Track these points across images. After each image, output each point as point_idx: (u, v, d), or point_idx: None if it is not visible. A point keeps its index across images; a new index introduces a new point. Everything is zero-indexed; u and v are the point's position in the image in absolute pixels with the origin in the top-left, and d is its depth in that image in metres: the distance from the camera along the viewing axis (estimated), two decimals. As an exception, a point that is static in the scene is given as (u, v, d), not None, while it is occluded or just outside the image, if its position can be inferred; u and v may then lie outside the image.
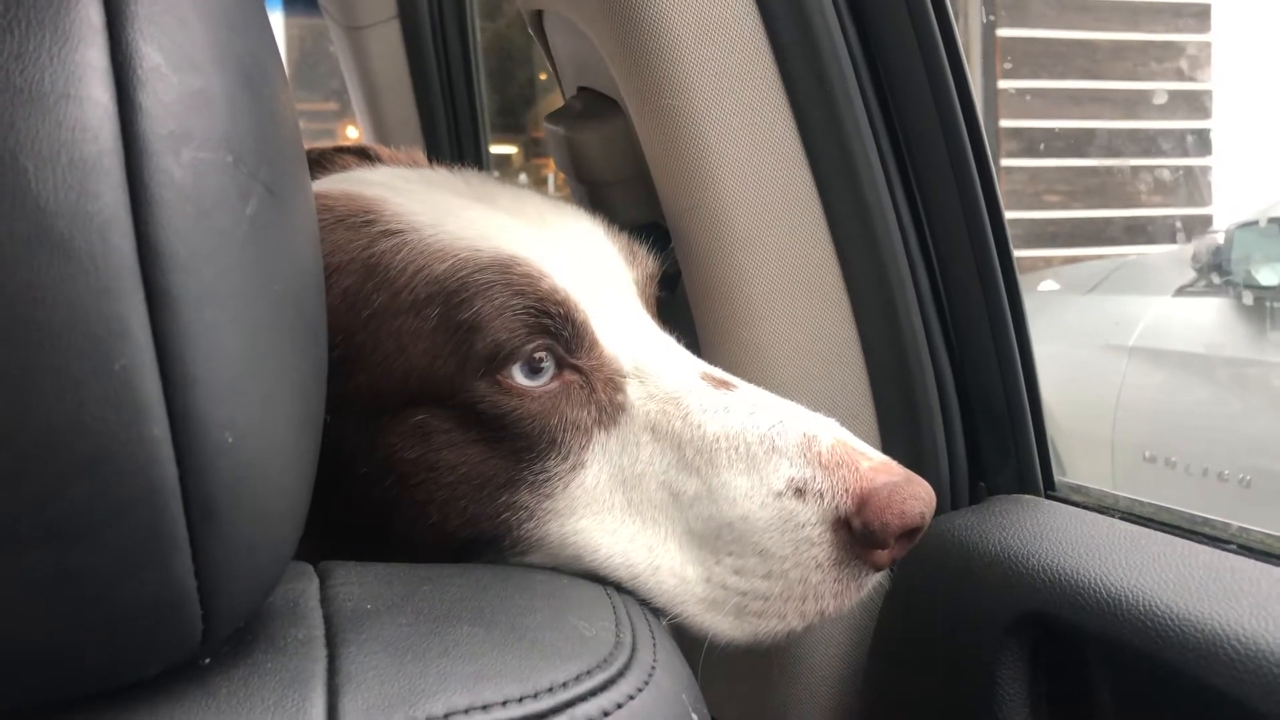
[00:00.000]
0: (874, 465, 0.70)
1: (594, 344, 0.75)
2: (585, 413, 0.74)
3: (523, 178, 8.68)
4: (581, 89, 0.87)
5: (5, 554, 0.39)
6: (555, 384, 0.73)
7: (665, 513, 0.72)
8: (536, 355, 0.72)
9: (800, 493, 0.70)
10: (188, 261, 0.42)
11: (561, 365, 0.73)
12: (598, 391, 0.74)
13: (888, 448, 0.84)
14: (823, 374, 0.82)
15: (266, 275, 0.47)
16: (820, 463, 0.70)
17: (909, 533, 0.68)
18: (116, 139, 0.41)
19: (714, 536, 0.71)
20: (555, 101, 0.93)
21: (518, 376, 0.71)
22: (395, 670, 0.49)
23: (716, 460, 0.72)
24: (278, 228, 0.48)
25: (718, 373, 0.75)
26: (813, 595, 0.70)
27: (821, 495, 0.69)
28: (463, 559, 0.72)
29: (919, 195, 0.83)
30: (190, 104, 0.43)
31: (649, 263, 0.80)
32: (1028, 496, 0.86)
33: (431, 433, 0.71)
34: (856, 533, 0.69)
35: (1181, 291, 3.83)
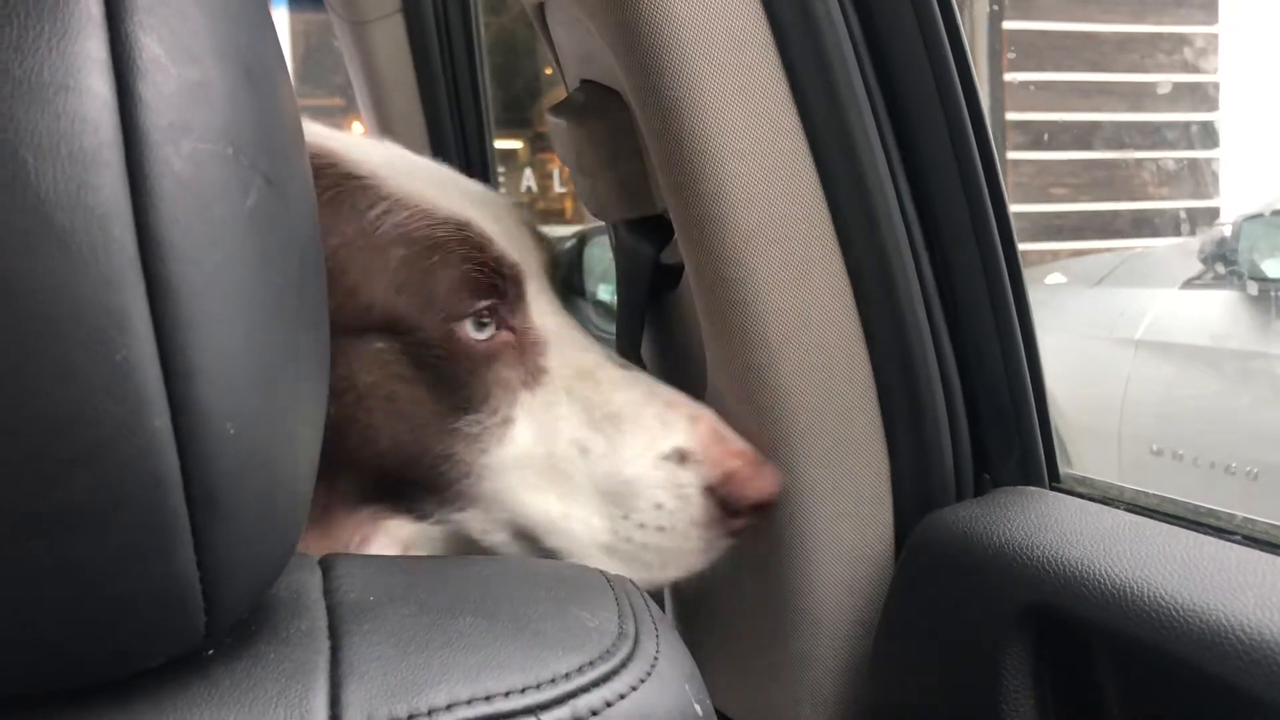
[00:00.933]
0: (740, 449, 0.82)
1: (527, 311, 0.84)
2: (514, 373, 0.83)
3: (528, 172, 8.70)
4: (584, 81, 0.86)
5: (8, 544, 0.40)
6: (495, 342, 0.81)
7: (576, 468, 0.82)
8: (484, 312, 0.80)
9: (684, 459, 0.82)
10: (188, 252, 0.42)
11: (500, 326, 0.82)
12: (526, 354, 0.84)
13: (892, 439, 0.84)
14: (825, 365, 0.82)
15: (267, 266, 0.47)
16: (700, 439, 0.82)
17: (762, 506, 0.82)
18: (116, 131, 0.41)
19: (615, 492, 0.82)
20: (560, 96, 0.92)
21: (468, 328, 0.80)
22: (398, 661, 0.49)
23: (620, 425, 0.83)
24: (278, 219, 0.48)
25: (618, 358, 0.87)
26: (690, 550, 0.82)
27: (700, 464, 0.81)
28: (408, 506, 0.81)
29: (923, 186, 0.82)
30: (190, 96, 0.43)
31: (552, 248, 0.89)
32: (1032, 488, 0.86)
33: (389, 363, 0.78)
34: (721, 500, 0.81)
35: (1189, 284, 3.81)
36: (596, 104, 0.84)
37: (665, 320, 0.93)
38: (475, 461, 0.80)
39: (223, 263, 0.44)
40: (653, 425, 0.82)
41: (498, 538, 0.83)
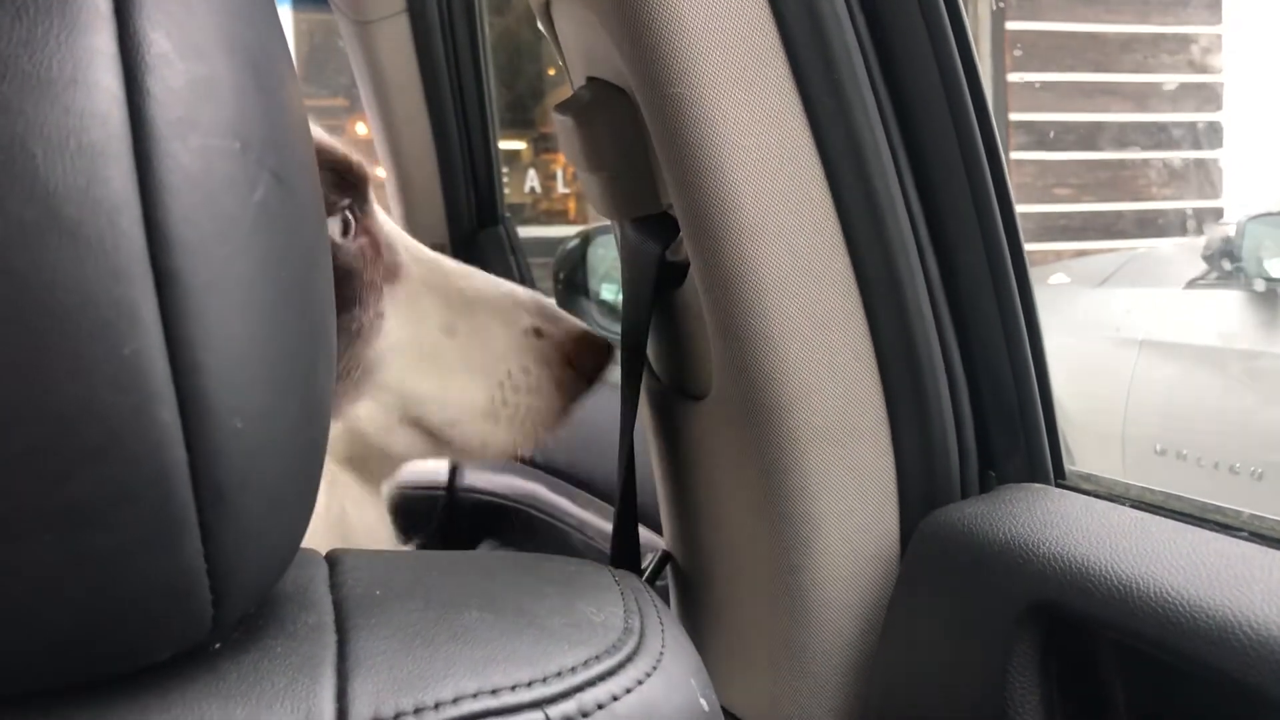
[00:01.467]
0: (573, 323, 0.99)
1: (374, 213, 0.92)
2: (376, 272, 0.91)
3: (531, 172, 8.70)
4: (590, 79, 0.86)
5: (18, 538, 0.40)
6: (358, 244, 0.89)
7: (446, 348, 0.94)
8: (344, 212, 0.88)
9: (539, 333, 0.97)
10: (196, 247, 0.42)
11: (357, 228, 0.90)
12: (382, 254, 0.92)
13: (897, 436, 0.84)
14: (830, 362, 0.82)
15: (274, 261, 0.47)
16: (545, 315, 0.98)
17: (600, 367, 0.99)
18: (125, 124, 0.41)
19: (486, 364, 0.95)
20: (564, 95, 0.93)
21: (336, 231, 0.88)
22: (404, 655, 0.49)
23: (476, 310, 0.96)
24: (285, 215, 0.49)
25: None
26: (557, 408, 0.98)
27: (552, 336, 0.97)
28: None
29: (928, 183, 0.82)
30: (197, 91, 0.44)
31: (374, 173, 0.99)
32: (1037, 485, 0.86)
33: None
34: (570, 362, 0.97)
35: (1193, 284, 3.81)
36: (602, 101, 0.84)
37: (671, 318, 0.93)
38: (360, 354, 0.89)
39: (231, 257, 0.44)
40: (506, 305, 0.97)
41: (395, 434, 0.93)
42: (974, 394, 0.86)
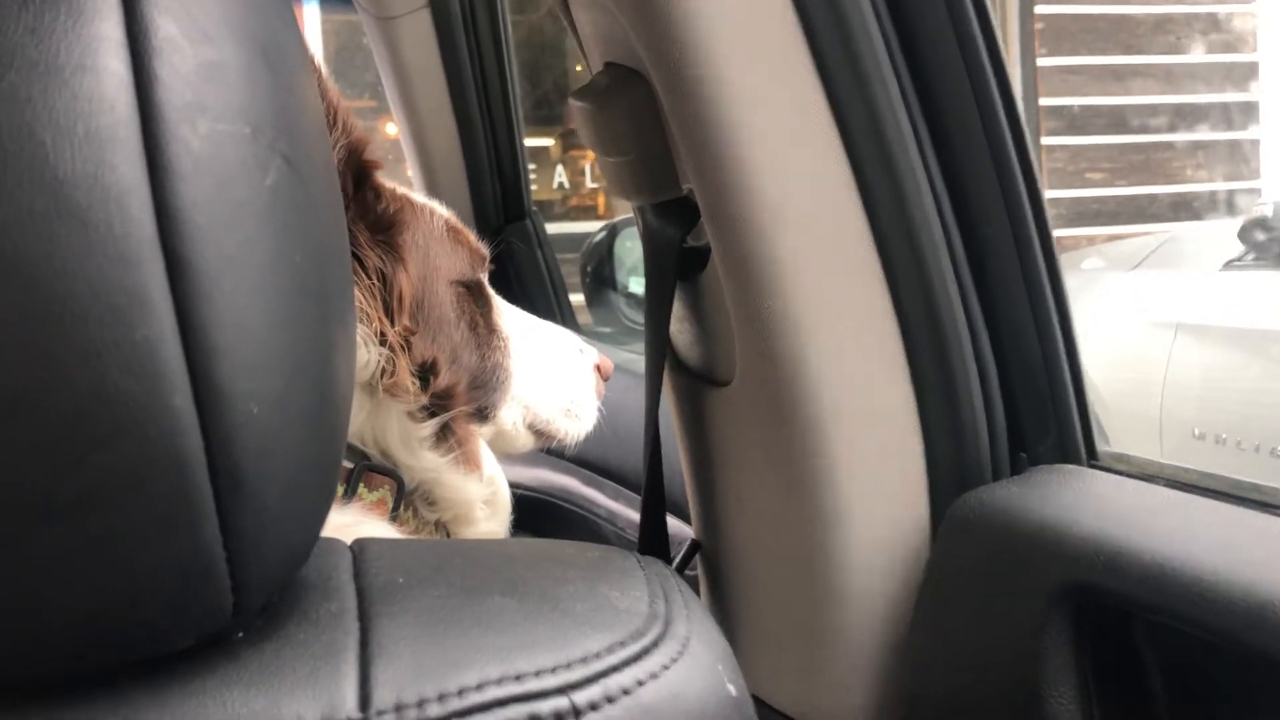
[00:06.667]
0: (594, 349, 1.34)
1: None
2: (498, 311, 1.24)
3: (560, 169, 8.70)
4: (608, 64, 0.86)
5: (34, 525, 0.40)
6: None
7: (545, 372, 1.26)
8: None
9: (581, 350, 1.33)
10: (207, 231, 0.42)
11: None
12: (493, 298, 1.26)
13: (925, 418, 0.83)
14: (856, 344, 0.81)
15: (288, 246, 0.47)
16: (580, 349, 1.32)
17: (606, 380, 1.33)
18: (133, 110, 0.41)
19: (566, 382, 1.28)
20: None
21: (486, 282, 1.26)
22: (428, 642, 0.49)
23: (555, 342, 1.31)
24: (298, 199, 0.48)
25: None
26: (596, 406, 1.30)
27: (589, 355, 1.33)
28: (480, 412, 1.17)
29: (953, 162, 0.81)
30: (206, 75, 0.43)
31: None
32: (1070, 466, 0.85)
33: (465, 301, 1.21)
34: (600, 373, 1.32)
35: (1229, 266, 3.75)
36: (619, 85, 0.84)
37: (693, 304, 0.92)
38: (503, 366, 1.18)
39: (243, 241, 0.44)
40: (570, 344, 1.31)
41: (520, 430, 1.24)
42: (1003, 374, 0.84)
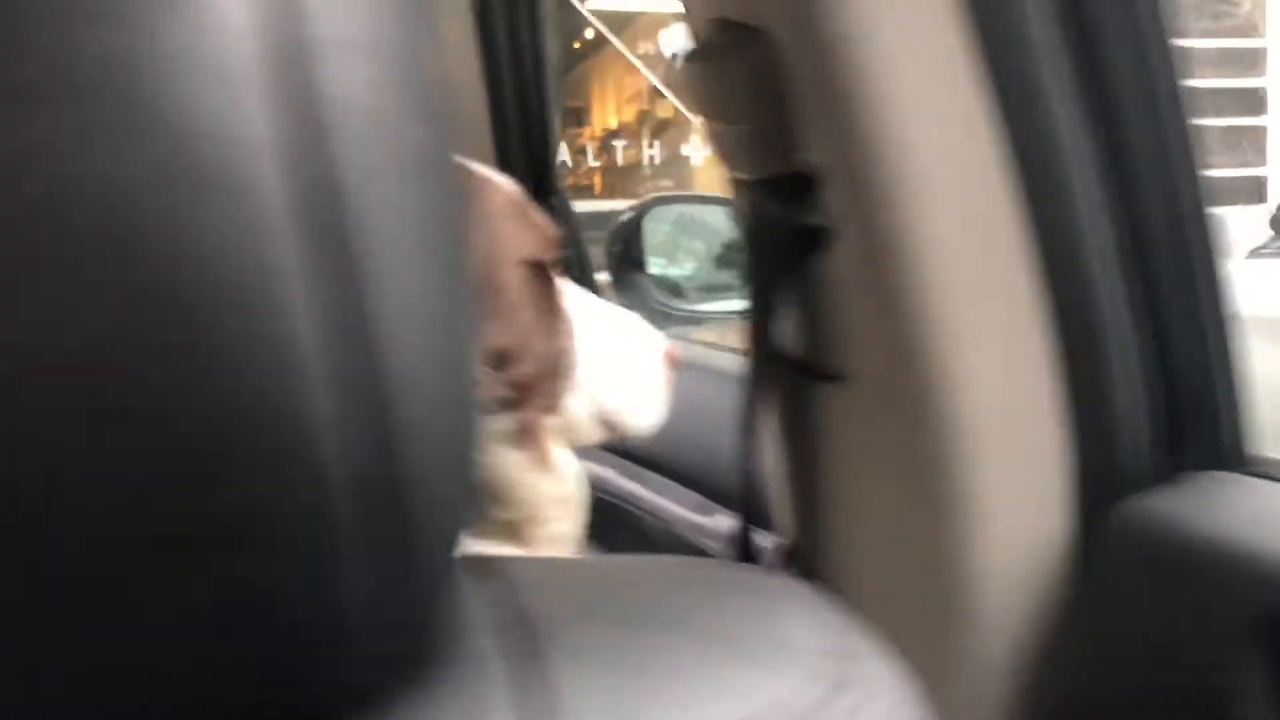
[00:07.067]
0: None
1: None
2: (560, 297, 1.14)
3: (562, 146, 8.65)
4: (721, 20, 0.77)
5: (164, 561, 0.31)
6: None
7: (616, 362, 1.14)
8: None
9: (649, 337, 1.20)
10: (361, 198, 0.33)
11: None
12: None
13: (1071, 418, 0.75)
14: (998, 333, 0.73)
15: (439, 216, 0.38)
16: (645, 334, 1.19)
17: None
18: (267, 47, 0.32)
19: (638, 371, 1.16)
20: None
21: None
22: (605, 688, 0.41)
23: (624, 331, 1.18)
24: (443, 160, 0.40)
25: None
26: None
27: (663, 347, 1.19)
28: (545, 403, 1.04)
29: (1114, 141, 0.73)
30: (363, 7, 0.34)
31: None
32: (1225, 473, 0.77)
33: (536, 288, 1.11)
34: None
35: (1255, 253, 3.68)
36: (734, 44, 0.75)
37: (802, 295, 0.84)
38: (569, 352, 1.07)
39: (401, 210, 0.35)
40: (636, 329, 1.19)
41: (588, 423, 1.11)
42: (1156, 372, 0.76)
